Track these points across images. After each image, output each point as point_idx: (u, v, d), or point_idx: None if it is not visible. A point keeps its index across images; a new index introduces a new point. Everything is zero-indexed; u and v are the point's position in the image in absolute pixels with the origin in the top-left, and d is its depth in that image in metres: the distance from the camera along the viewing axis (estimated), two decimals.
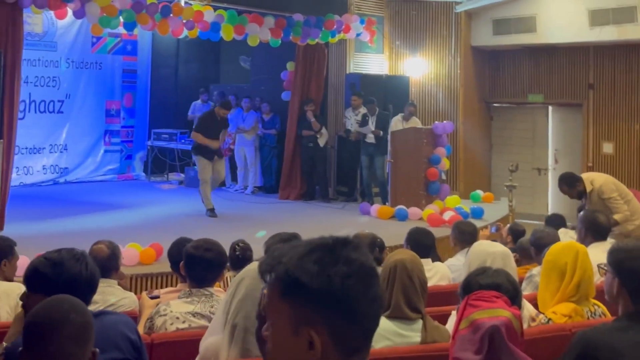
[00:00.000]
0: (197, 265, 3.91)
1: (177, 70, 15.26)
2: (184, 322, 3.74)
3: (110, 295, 4.39)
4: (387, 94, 12.19)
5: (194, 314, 3.77)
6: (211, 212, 10.32)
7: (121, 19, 9.81)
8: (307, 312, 1.49)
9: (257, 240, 5.71)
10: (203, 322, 3.73)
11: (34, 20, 12.25)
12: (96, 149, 13.71)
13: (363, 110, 11.70)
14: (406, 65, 13.26)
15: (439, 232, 7.73)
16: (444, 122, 11.43)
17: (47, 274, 2.95)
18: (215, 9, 10.78)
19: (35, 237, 7.97)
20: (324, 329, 1.49)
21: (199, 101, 13.82)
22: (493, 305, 2.84)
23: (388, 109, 11.20)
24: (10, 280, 4.70)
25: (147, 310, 4.09)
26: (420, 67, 13.14)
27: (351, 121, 11.78)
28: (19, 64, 8.95)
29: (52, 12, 9.83)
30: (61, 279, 2.92)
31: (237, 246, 5.31)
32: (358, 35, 12.49)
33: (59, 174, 13.12)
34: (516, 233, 6.86)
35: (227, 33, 10.89)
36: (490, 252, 4.02)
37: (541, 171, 13.05)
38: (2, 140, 8.41)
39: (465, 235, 5.89)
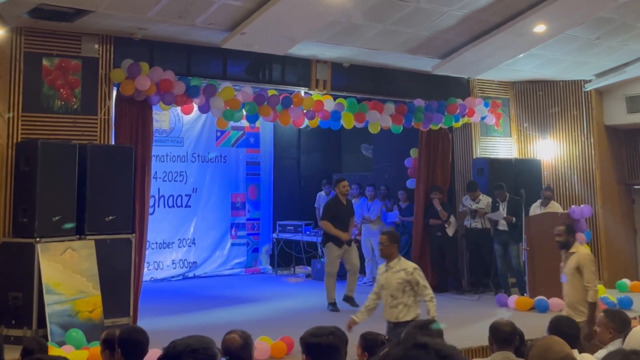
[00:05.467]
0: (323, 352, 3.76)
1: (299, 160, 15.36)
2: None
3: None
4: (518, 179, 11.74)
5: None
6: (333, 306, 10.02)
7: (244, 112, 9.96)
8: None
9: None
10: None
11: (162, 117, 12.71)
12: (223, 242, 13.82)
13: (484, 198, 11.28)
14: (537, 147, 12.73)
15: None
16: (582, 206, 10.84)
17: None
18: (335, 97, 10.79)
19: (167, 332, 7.87)
20: None
21: (323, 192, 13.75)
22: None
23: (520, 194, 10.72)
24: None
25: None
26: (551, 149, 12.58)
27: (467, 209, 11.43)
28: (149, 160, 9.16)
29: (178, 109, 10.12)
30: None
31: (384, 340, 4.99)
32: (483, 118, 12.14)
33: (188, 268, 13.26)
34: None
35: (348, 121, 10.84)
36: None
37: None
38: (134, 235, 8.52)
39: (622, 325, 5.32)
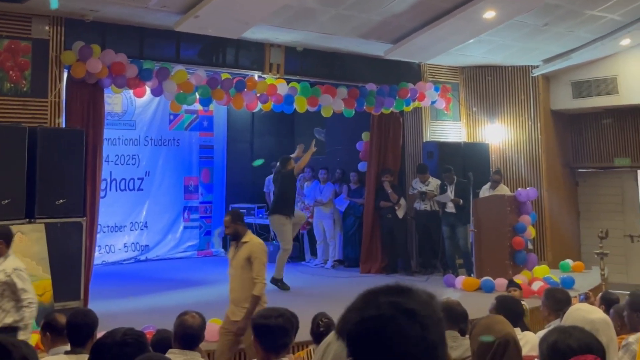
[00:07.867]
0: (272, 333, 3.81)
1: (252, 144, 15.34)
2: None
3: None
4: (467, 162, 11.97)
5: None
6: (282, 282, 10.14)
7: (197, 95, 9.94)
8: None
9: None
10: None
11: (114, 100, 12.57)
12: (176, 225, 13.79)
13: (434, 181, 11.49)
14: (485, 131, 12.99)
15: (527, 304, 7.33)
16: (528, 188, 11.10)
17: None
18: (288, 81, 10.85)
19: (118, 315, 7.91)
20: None
21: (272, 175, 13.79)
22: None
23: (468, 177, 10.93)
24: None
25: None
26: (499, 133, 12.86)
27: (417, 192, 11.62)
28: (101, 143, 9.10)
29: (131, 92, 10.05)
30: None
31: (320, 321, 5.17)
32: (433, 102, 12.34)
33: (140, 251, 13.19)
34: (609, 302, 6.32)
35: (301, 105, 10.92)
36: (590, 319, 3.57)
37: (634, 238, 12.32)
38: (85, 219, 8.47)
39: (559, 304, 5.51)
